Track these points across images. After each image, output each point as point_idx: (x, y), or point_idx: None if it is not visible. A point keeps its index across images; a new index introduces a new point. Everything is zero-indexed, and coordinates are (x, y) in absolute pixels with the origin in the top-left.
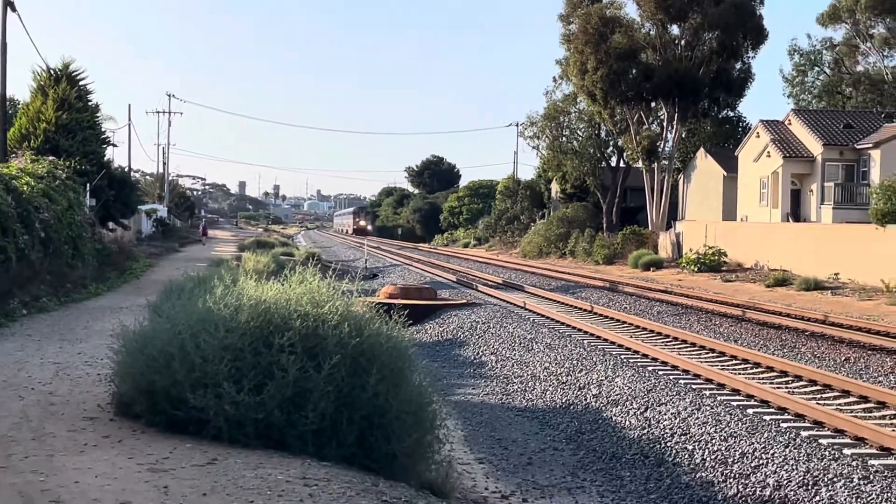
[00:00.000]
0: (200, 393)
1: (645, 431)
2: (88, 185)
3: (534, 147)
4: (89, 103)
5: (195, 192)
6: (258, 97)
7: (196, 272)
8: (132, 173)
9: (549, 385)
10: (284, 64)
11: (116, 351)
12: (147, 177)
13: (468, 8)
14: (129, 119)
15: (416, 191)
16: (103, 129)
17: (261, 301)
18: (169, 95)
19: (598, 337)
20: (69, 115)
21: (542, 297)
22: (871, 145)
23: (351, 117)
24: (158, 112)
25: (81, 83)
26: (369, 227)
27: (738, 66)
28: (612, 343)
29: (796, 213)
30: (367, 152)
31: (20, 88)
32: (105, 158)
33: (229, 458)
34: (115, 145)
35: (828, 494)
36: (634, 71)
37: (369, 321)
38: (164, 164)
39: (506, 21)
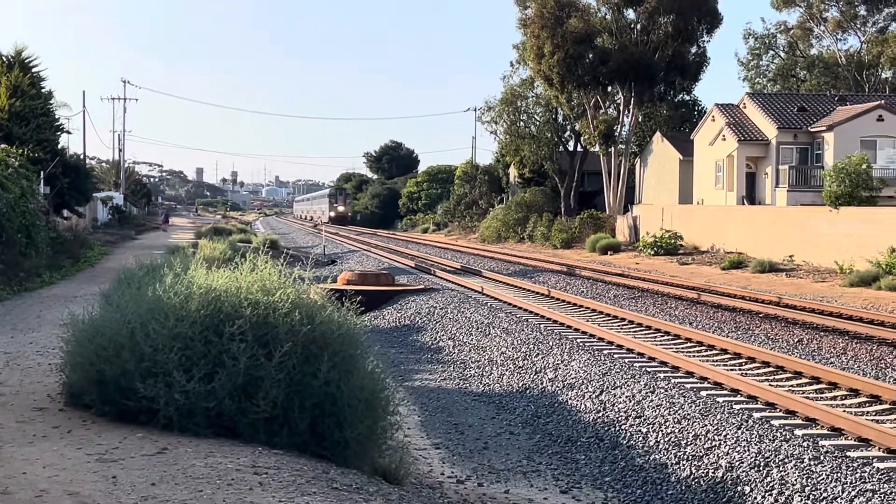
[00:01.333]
0: (150, 382)
1: (600, 414)
2: (42, 173)
3: (492, 132)
4: (42, 90)
5: (152, 179)
6: (215, 83)
7: (150, 260)
8: (87, 161)
9: (506, 369)
10: (241, 49)
11: (66, 340)
12: (103, 164)
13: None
14: (84, 106)
15: (375, 176)
16: (57, 117)
17: (211, 289)
18: (124, 82)
19: (555, 321)
20: (22, 102)
21: (500, 282)
22: (824, 128)
23: (309, 102)
24: (113, 98)
25: (34, 70)
26: (349, 214)
27: (693, 50)
28: (569, 327)
29: (752, 195)
30: (325, 138)
31: None
32: (59, 146)
33: (179, 447)
34: (69, 132)
35: (779, 475)
36: (591, 55)
37: (321, 308)
38: (120, 151)
39: (466, 3)
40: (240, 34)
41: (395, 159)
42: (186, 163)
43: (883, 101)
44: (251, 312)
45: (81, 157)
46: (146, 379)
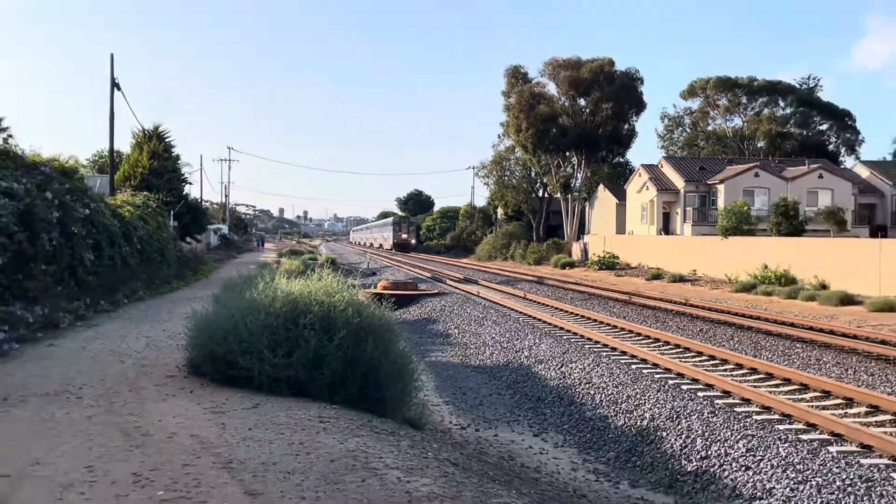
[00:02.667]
0: (247, 358)
1: (561, 381)
2: (172, 211)
3: (485, 183)
4: (172, 154)
5: (247, 216)
6: (292, 148)
7: (247, 272)
8: (202, 203)
9: (495, 349)
10: (313, 125)
11: (189, 328)
12: (214, 205)
13: (441, 84)
14: (201, 165)
15: (403, 214)
16: (182, 172)
17: (290, 293)
18: (229, 148)
19: (529, 315)
20: (158, 162)
21: (491, 288)
22: (717, 181)
23: (358, 161)
24: (221, 160)
25: (167, 139)
26: (412, 241)
27: (626, 126)
28: (539, 320)
29: (667, 228)
30: (369, 186)
31: (123, 144)
32: (183, 192)
33: (268, 403)
34: (190, 183)
35: (686, 424)
36: (554, 130)
37: (367, 306)
38: (226, 196)
39: (468, 94)
40: (313, 117)
41: (417, 202)
42: (272, 204)
43: (758, 163)
44: (318, 309)
45: (198, 200)
46: (244, 355)
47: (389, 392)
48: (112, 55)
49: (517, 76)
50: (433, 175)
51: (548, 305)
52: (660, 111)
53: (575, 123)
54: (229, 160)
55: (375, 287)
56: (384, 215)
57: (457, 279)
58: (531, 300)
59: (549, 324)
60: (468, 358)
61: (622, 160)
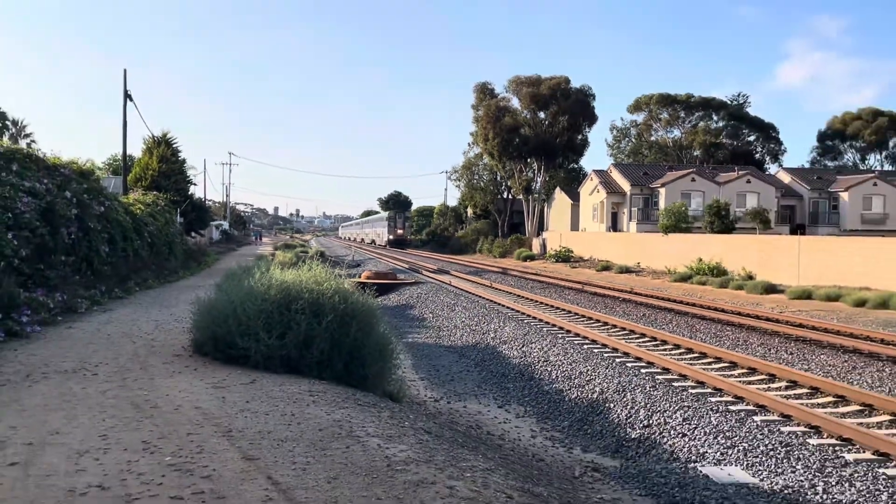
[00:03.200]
0: (245, 339)
1: (522, 360)
2: (178, 209)
3: (456, 186)
4: (179, 158)
5: (246, 213)
6: (288, 152)
7: (245, 264)
8: (206, 202)
9: (465, 332)
10: (306, 133)
11: (194, 313)
12: (216, 203)
13: (419, 97)
14: (205, 168)
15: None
16: (188, 174)
17: (284, 282)
18: (230, 153)
19: (495, 302)
20: (167, 165)
21: (461, 278)
22: (659, 185)
23: (344, 165)
24: (223, 163)
25: (174, 145)
26: (409, 238)
27: (579, 137)
28: (503, 306)
29: (615, 226)
30: (354, 188)
31: (135, 149)
32: (189, 192)
33: (263, 379)
34: (195, 184)
35: (631, 397)
36: (517, 140)
37: (352, 293)
38: (227, 196)
39: (443, 108)
40: (306, 130)
41: (397, 202)
42: (268, 203)
43: (695, 170)
44: (308, 296)
45: (202, 199)
46: (243, 337)
47: (371, 369)
48: (125, 70)
49: (485, 91)
50: (411, 178)
51: (511, 293)
52: (609, 123)
53: (535, 134)
54: (230, 164)
55: (359, 277)
56: (367, 213)
57: (432, 270)
58: (496, 288)
59: (512, 309)
60: (441, 339)
61: (576, 166)
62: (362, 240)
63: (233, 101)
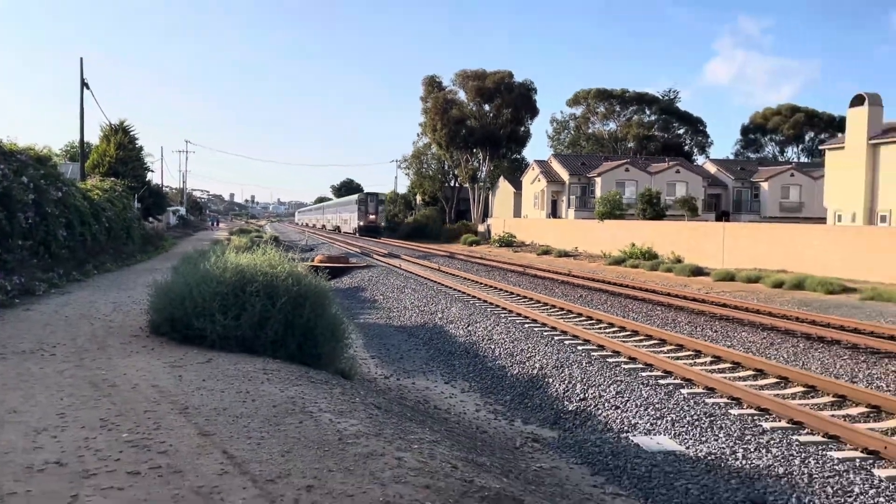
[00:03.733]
0: (201, 320)
1: (468, 338)
2: (136, 195)
3: (406, 174)
4: (136, 145)
5: (202, 199)
6: (244, 141)
7: (202, 248)
8: (163, 188)
9: (414, 312)
10: (259, 125)
11: (151, 295)
12: (173, 190)
13: (370, 87)
14: (162, 155)
15: (328, 202)
16: (145, 161)
17: (239, 265)
18: (186, 141)
19: (442, 284)
20: (124, 152)
21: (411, 262)
22: (596, 175)
23: (301, 152)
24: (180, 151)
25: (131, 132)
26: (382, 224)
27: (522, 129)
28: (450, 287)
29: (555, 213)
30: (308, 176)
31: (93, 136)
32: (146, 179)
33: (219, 358)
34: (152, 171)
35: (568, 372)
36: (464, 131)
37: (305, 276)
38: (183, 182)
39: (394, 99)
40: (266, 120)
41: (349, 189)
42: (224, 189)
43: (629, 160)
44: (262, 278)
45: (159, 185)
46: (199, 318)
47: (324, 348)
48: (81, 59)
49: (433, 84)
50: (363, 167)
51: (457, 276)
52: (550, 116)
53: (481, 125)
54: (186, 151)
55: (312, 260)
56: (320, 200)
57: (382, 254)
58: (444, 272)
59: (459, 291)
60: (391, 320)
61: (519, 156)
62: (323, 226)
63: (193, 93)
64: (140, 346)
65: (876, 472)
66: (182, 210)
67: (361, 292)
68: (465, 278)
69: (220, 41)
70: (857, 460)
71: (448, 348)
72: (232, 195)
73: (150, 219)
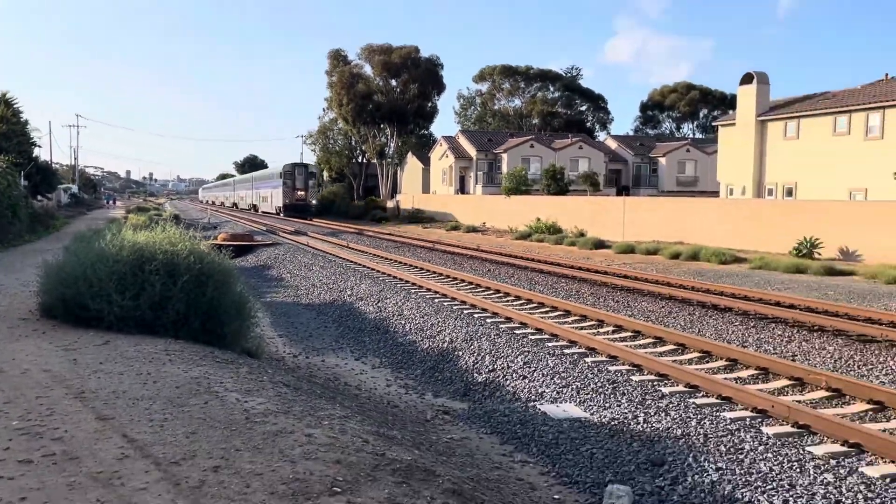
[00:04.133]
0: (97, 301)
1: (378, 314)
2: (21, 172)
3: (312, 150)
4: (21, 119)
5: (97, 177)
6: (138, 115)
7: (97, 227)
8: (53, 164)
9: (322, 290)
10: (157, 97)
11: (41, 276)
12: (64, 166)
13: (275, 59)
14: (50, 130)
15: (241, 176)
16: (31, 136)
17: (136, 243)
18: (77, 115)
19: (351, 261)
20: (7, 126)
21: (319, 239)
22: (502, 151)
23: (199, 128)
24: (71, 126)
25: (15, 105)
26: (313, 202)
27: (429, 104)
28: (359, 264)
29: (463, 189)
30: (209, 151)
31: None
32: (34, 154)
33: (118, 340)
34: (39, 146)
35: (477, 345)
36: (371, 106)
37: (207, 254)
38: (76, 159)
39: (300, 71)
40: (160, 89)
41: (253, 166)
42: (120, 166)
43: (533, 137)
44: (163, 257)
45: (48, 162)
46: (94, 298)
47: (229, 327)
48: None
49: (338, 58)
50: (267, 142)
51: (367, 252)
52: (457, 92)
53: (388, 100)
54: (77, 126)
55: (216, 239)
56: (223, 177)
57: (289, 231)
58: (353, 248)
59: (368, 267)
60: (299, 298)
61: (427, 132)
62: (234, 204)
63: (85, 61)
64: (30, 330)
65: (764, 429)
66: (74, 188)
67: (268, 270)
68: (374, 255)
69: (117, 16)
70: (748, 419)
71: (358, 325)
72: (129, 172)
73: (40, 197)
